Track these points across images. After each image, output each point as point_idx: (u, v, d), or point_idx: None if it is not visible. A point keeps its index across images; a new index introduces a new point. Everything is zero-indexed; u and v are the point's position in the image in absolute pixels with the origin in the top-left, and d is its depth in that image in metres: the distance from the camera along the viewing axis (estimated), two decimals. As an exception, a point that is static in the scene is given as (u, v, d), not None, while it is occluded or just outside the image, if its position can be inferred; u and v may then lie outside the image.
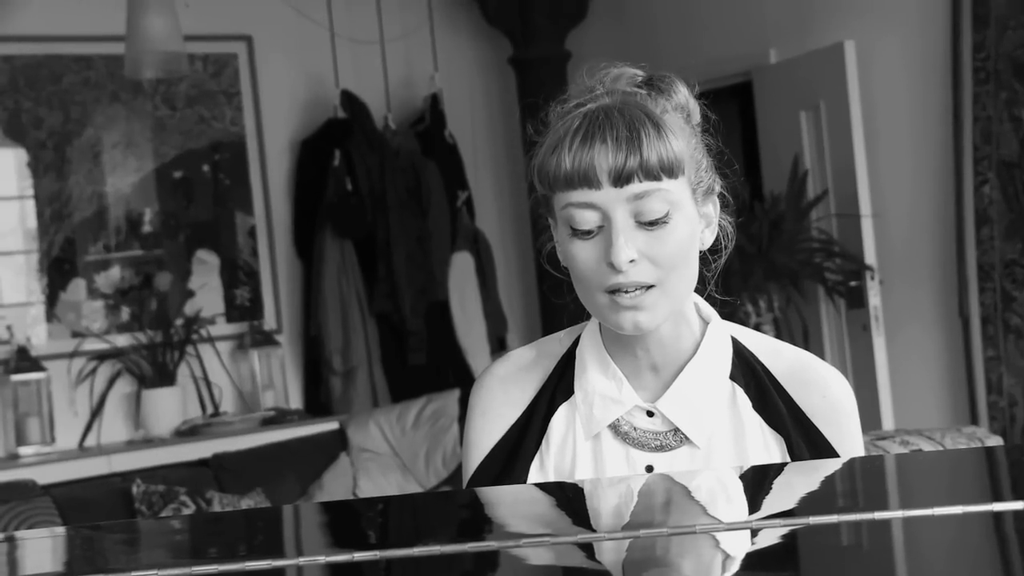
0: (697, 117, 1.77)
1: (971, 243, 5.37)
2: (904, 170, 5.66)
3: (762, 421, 1.75)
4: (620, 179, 1.63)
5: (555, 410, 1.80)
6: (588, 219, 1.66)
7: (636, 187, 1.64)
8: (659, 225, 1.65)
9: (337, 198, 6.65)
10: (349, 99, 6.78)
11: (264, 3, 6.79)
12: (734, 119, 6.97)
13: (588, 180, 1.64)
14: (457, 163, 7.05)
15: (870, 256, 5.71)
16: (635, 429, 1.76)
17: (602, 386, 1.77)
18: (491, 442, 1.81)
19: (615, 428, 1.77)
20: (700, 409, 1.75)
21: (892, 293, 5.71)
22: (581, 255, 1.67)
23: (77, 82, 6.39)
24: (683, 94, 1.76)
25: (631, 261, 1.64)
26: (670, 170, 1.64)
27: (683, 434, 1.75)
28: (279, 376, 6.66)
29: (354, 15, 7.02)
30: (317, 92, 6.94)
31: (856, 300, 5.76)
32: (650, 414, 1.76)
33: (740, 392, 1.76)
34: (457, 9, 7.34)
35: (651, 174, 1.64)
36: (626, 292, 1.65)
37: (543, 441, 1.79)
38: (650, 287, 1.66)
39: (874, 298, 5.71)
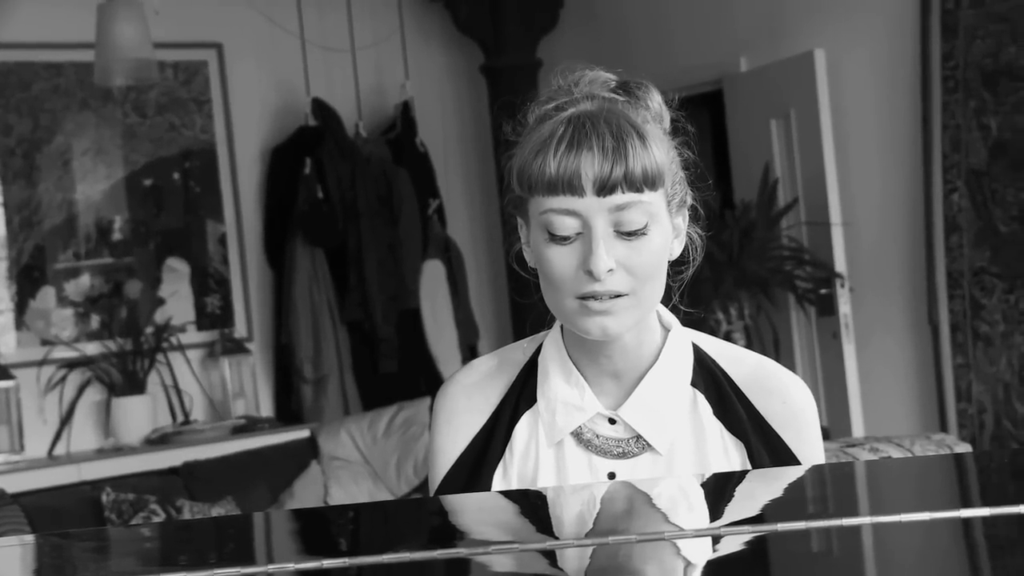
0: (667, 124, 1.77)
1: (940, 251, 5.40)
2: (874, 178, 5.69)
3: (722, 427, 1.76)
4: (604, 188, 1.64)
5: (519, 418, 1.80)
6: (568, 225, 1.66)
7: (619, 198, 1.64)
8: (637, 236, 1.65)
9: (308, 206, 6.64)
10: (320, 107, 6.77)
11: (235, 11, 6.78)
12: (705, 127, 6.99)
13: (572, 187, 1.64)
14: (428, 171, 7.05)
15: (840, 264, 5.74)
16: (597, 436, 1.77)
17: (564, 393, 1.77)
18: (457, 451, 1.81)
19: (577, 435, 1.77)
20: (661, 416, 1.75)
21: (862, 301, 5.73)
22: (557, 260, 1.67)
23: (47, 89, 6.36)
24: (657, 102, 1.77)
25: (609, 270, 1.65)
26: (652, 182, 1.65)
27: (645, 441, 1.75)
28: (250, 384, 6.64)
29: (325, 23, 7.01)
30: (288, 100, 6.93)
31: (826, 308, 5.78)
32: (612, 421, 1.76)
33: (701, 398, 1.77)
34: (428, 17, 7.34)
35: (634, 185, 1.64)
36: (598, 299, 1.66)
37: (507, 449, 1.79)
38: (623, 295, 1.67)
39: (844, 306, 5.73)
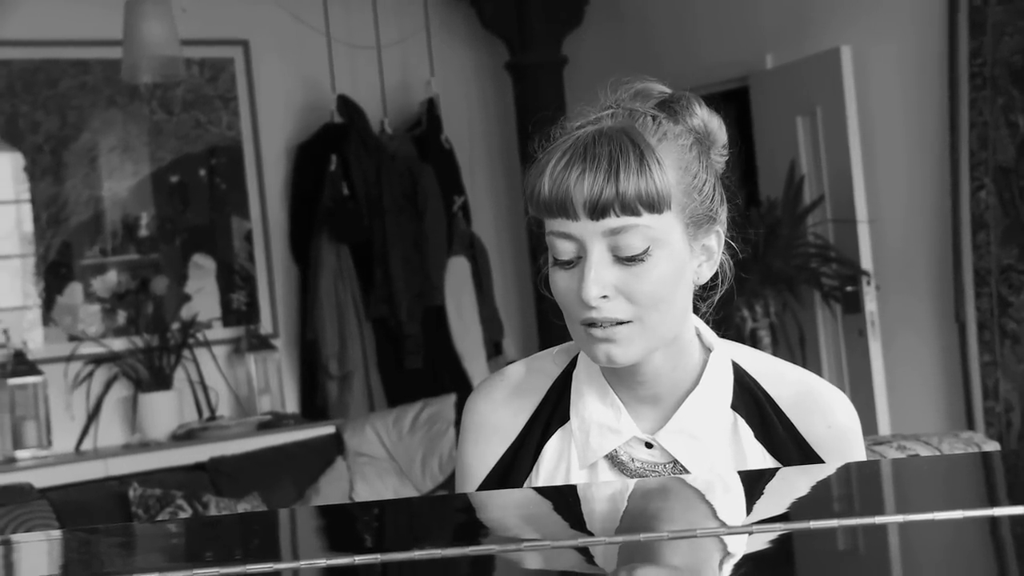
0: (723, 139, 1.73)
1: (967, 248, 5.38)
2: (900, 175, 5.67)
3: (764, 450, 1.71)
4: (596, 211, 1.58)
5: (549, 436, 1.75)
6: (567, 249, 1.62)
7: (613, 221, 1.59)
8: (636, 262, 1.60)
9: (333, 203, 6.65)
10: (346, 104, 6.78)
11: (261, 8, 6.79)
12: (730, 124, 6.96)
13: (565, 210, 1.60)
14: (453, 168, 7.05)
15: (866, 261, 5.72)
16: (633, 460, 1.72)
17: (600, 415, 1.72)
18: (485, 469, 1.78)
19: (612, 458, 1.73)
20: (701, 441, 1.70)
21: (888, 298, 5.71)
22: (561, 284, 1.64)
23: (74, 86, 6.38)
24: (699, 116, 1.71)
25: (603, 297, 1.60)
26: (650, 205, 1.59)
27: (682, 466, 1.71)
28: (275, 380, 6.66)
29: (351, 20, 7.02)
30: (314, 97, 6.94)
31: (852, 305, 5.76)
32: (649, 445, 1.72)
33: (742, 422, 1.72)
34: (454, 14, 7.34)
35: (629, 208, 1.58)
36: (599, 326, 1.62)
37: (535, 468, 1.76)
38: (626, 322, 1.62)
39: (870, 303, 5.71)
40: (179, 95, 6.62)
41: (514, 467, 1.76)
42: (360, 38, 7.02)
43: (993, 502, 1.31)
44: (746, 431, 1.72)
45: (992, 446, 3.86)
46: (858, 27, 5.75)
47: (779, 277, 5.69)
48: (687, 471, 1.71)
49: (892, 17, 5.64)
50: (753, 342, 5.47)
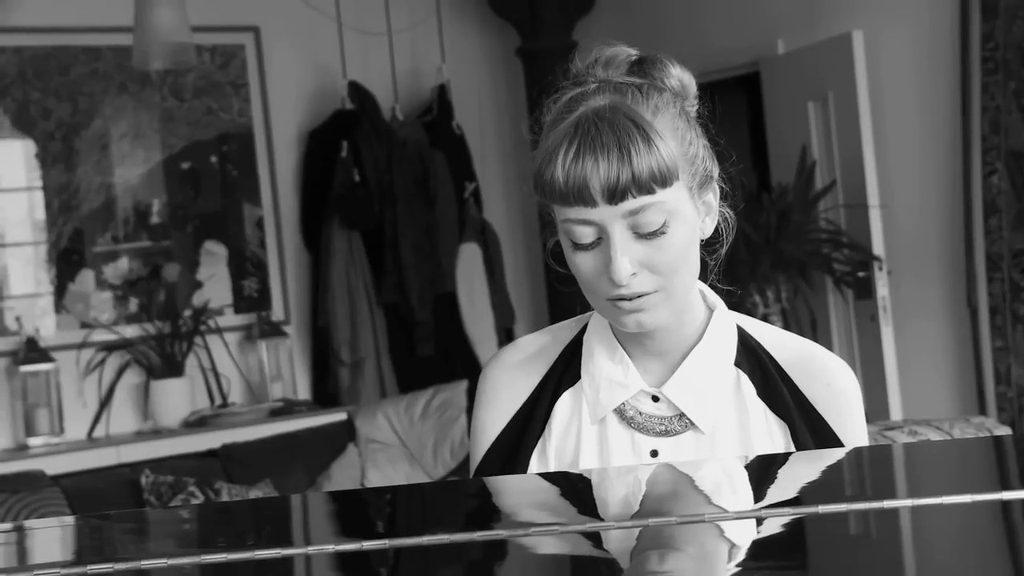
0: (694, 89, 1.76)
1: (979, 233, 5.37)
2: (912, 160, 5.66)
3: (766, 408, 1.76)
4: (615, 196, 1.62)
5: (560, 395, 1.81)
6: (586, 234, 1.66)
7: (631, 203, 1.63)
8: (657, 236, 1.65)
9: (345, 189, 6.66)
10: (357, 90, 6.78)
11: (272, -6, 6.80)
12: (742, 110, 6.96)
13: (583, 198, 1.63)
14: (464, 154, 7.05)
15: (878, 247, 5.71)
16: (640, 414, 1.77)
17: (609, 370, 1.78)
18: (497, 429, 1.82)
19: (620, 413, 1.78)
20: (705, 394, 1.75)
21: (900, 283, 5.70)
22: (584, 265, 1.68)
23: (85, 73, 6.39)
24: (675, 76, 1.75)
25: (632, 275, 1.65)
26: (663, 180, 1.63)
27: (688, 419, 1.76)
28: (287, 367, 6.67)
29: (362, 6, 7.01)
30: (325, 83, 6.94)
31: (864, 291, 5.76)
32: (655, 399, 1.77)
33: (745, 379, 1.77)
34: (465, 0, 7.34)
35: (644, 188, 1.63)
36: (628, 300, 1.67)
37: (547, 426, 1.80)
38: (652, 292, 1.67)
39: (882, 288, 5.70)
40: (190, 82, 6.63)
41: (528, 426, 1.81)
42: (371, 24, 7.01)
43: (1005, 486, 1.31)
44: (749, 387, 1.77)
45: (1004, 431, 3.86)
46: (869, 12, 5.74)
47: (791, 262, 5.69)
48: (693, 424, 1.75)
49: (904, 1, 5.63)
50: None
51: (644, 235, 1.64)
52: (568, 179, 1.63)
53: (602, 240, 1.66)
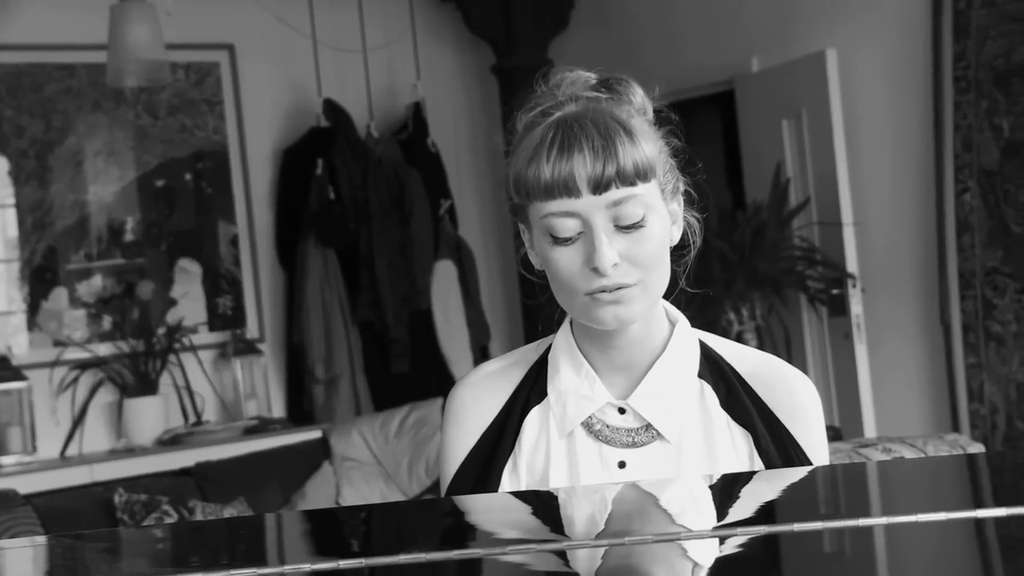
0: (651, 115, 1.80)
1: (952, 251, 5.39)
2: (885, 178, 5.68)
3: (729, 418, 1.79)
4: (599, 187, 1.67)
5: (528, 412, 1.83)
6: (569, 227, 1.70)
7: (614, 194, 1.68)
8: (637, 228, 1.69)
9: (320, 206, 6.65)
10: (332, 107, 6.78)
11: (246, 12, 6.79)
12: (716, 127, 6.98)
13: (568, 189, 1.68)
14: (440, 171, 7.05)
15: (852, 264, 5.73)
16: (607, 427, 1.80)
17: (575, 384, 1.81)
18: (466, 449, 1.84)
19: (588, 426, 1.80)
20: (670, 405, 1.78)
21: (874, 301, 5.72)
22: (562, 261, 1.71)
23: (59, 90, 6.37)
24: (639, 95, 1.80)
25: (614, 265, 1.68)
26: (643, 175, 1.69)
27: (655, 430, 1.78)
28: (262, 385, 6.65)
29: (336, 23, 7.02)
30: (299, 101, 6.94)
31: (838, 308, 5.77)
32: (622, 411, 1.80)
33: (708, 390, 1.80)
34: (440, 17, 7.34)
35: (627, 180, 1.68)
36: (608, 292, 1.70)
37: (516, 443, 1.82)
38: (630, 285, 1.70)
39: (856, 306, 5.72)
40: (165, 99, 6.62)
41: (498, 444, 1.83)
42: (346, 42, 7.02)
43: (978, 504, 1.31)
44: (712, 398, 1.80)
45: (977, 448, 3.87)
46: (843, 30, 5.77)
47: (765, 280, 5.70)
48: (659, 435, 1.78)
49: (877, 20, 5.66)
50: (739, 345, 5.47)
51: (624, 227, 1.69)
52: (554, 171, 1.68)
53: (583, 234, 1.70)
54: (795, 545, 1.18)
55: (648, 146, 1.70)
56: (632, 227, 1.69)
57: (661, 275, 1.74)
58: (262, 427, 6.34)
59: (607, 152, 1.67)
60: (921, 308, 5.58)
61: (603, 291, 1.70)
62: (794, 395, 1.80)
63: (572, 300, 1.74)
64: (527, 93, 1.82)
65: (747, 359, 1.83)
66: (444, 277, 6.94)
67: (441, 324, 6.92)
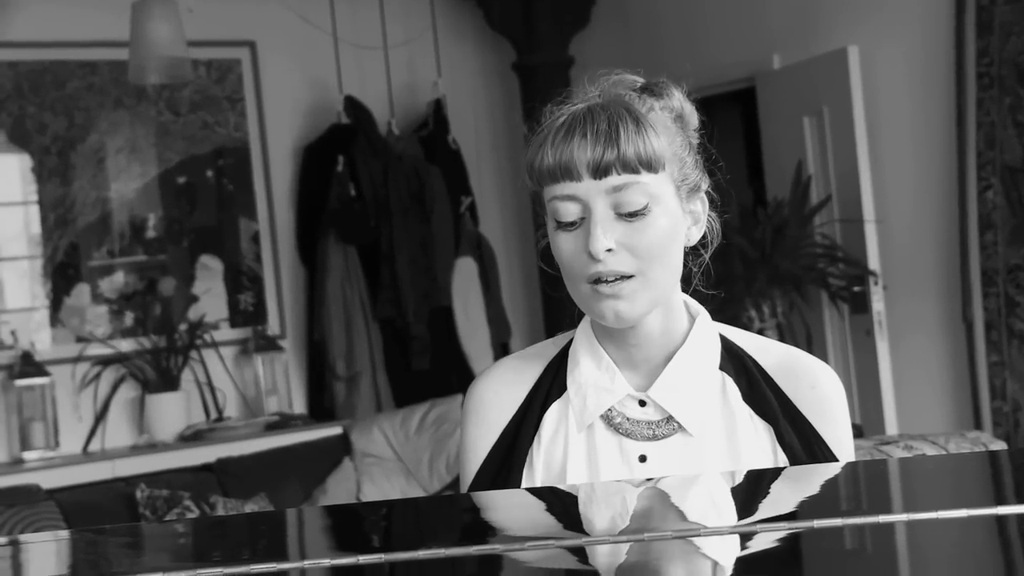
0: (695, 122, 1.81)
1: (975, 248, 5.37)
2: (907, 175, 5.66)
3: (751, 411, 1.78)
4: (599, 171, 1.68)
5: (548, 406, 1.82)
6: (570, 211, 1.71)
7: (615, 179, 1.68)
8: (638, 217, 1.69)
9: (340, 203, 6.66)
10: (353, 105, 6.78)
11: (268, 9, 6.80)
12: (737, 124, 6.97)
13: (569, 173, 1.69)
14: (460, 168, 7.05)
15: (873, 261, 5.71)
16: (627, 419, 1.79)
17: (595, 377, 1.80)
18: (487, 445, 1.84)
19: (607, 419, 1.79)
20: (691, 397, 1.77)
21: (895, 298, 5.71)
22: (564, 246, 1.72)
23: (81, 88, 6.39)
24: (678, 99, 1.80)
25: (608, 250, 1.68)
26: (648, 164, 1.69)
27: (676, 422, 1.77)
28: (283, 381, 6.66)
29: (358, 21, 7.02)
30: (321, 98, 6.95)
31: (859, 305, 5.76)
32: (642, 404, 1.79)
33: (730, 382, 1.79)
34: (461, 15, 7.35)
35: (629, 167, 1.68)
36: (606, 281, 1.69)
37: (535, 437, 1.82)
38: (630, 277, 1.70)
39: (877, 303, 5.70)
40: (186, 96, 6.63)
41: (517, 440, 1.82)
42: (367, 39, 7.02)
43: (1000, 501, 1.31)
44: (734, 391, 1.79)
45: (999, 446, 3.86)
46: (865, 27, 5.75)
47: (786, 277, 5.69)
48: (681, 427, 1.77)
49: (899, 17, 5.64)
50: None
51: (625, 215, 1.69)
52: (557, 155, 1.70)
53: (585, 220, 1.70)
54: (816, 542, 1.18)
55: (659, 139, 1.70)
56: (633, 215, 1.69)
57: (664, 270, 1.73)
58: (283, 423, 6.35)
59: (609, 137, 1.68)
60: (943, 306, 5.56)
61: (601, 280, 1.69)
62: (818, 388, 1.78)
63: (576, 289, 1.74)
64: (573, 89, 1.83)
65: (770, 352, 1.82)
66: (464, 274, 6.94)
67: (461, 321, 6.92)
